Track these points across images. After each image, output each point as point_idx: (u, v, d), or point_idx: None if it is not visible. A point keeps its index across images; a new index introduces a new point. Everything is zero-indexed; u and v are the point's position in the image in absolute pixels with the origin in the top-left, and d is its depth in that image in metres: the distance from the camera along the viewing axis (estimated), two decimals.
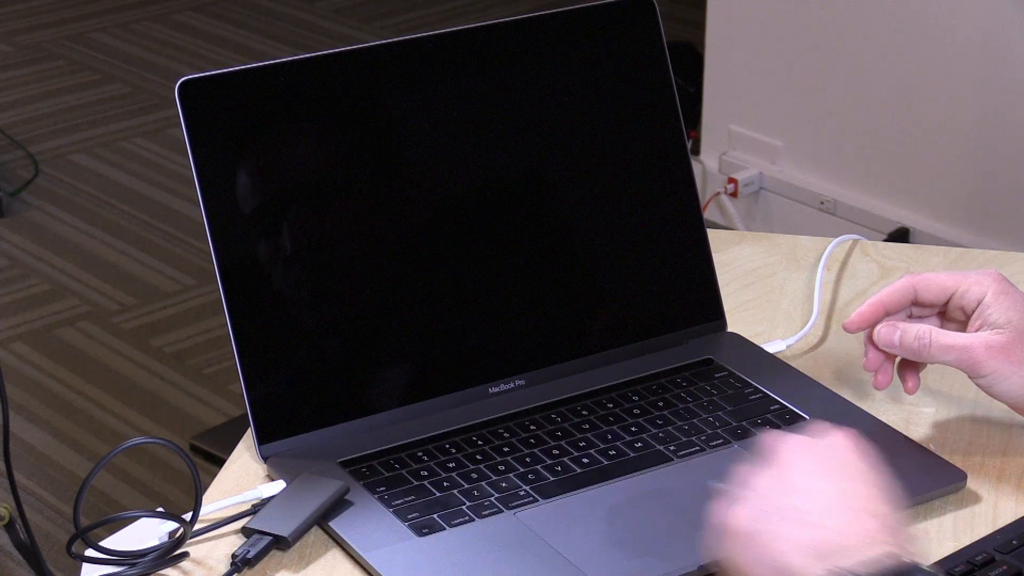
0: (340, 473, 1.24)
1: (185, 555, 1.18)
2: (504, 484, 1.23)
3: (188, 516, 1.17)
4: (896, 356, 1.30)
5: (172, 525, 1.19)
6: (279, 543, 1.17)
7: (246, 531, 1.18)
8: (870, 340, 1.29)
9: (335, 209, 1.30)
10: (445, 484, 1.23)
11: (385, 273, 1.32)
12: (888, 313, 1.29)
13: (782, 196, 3.35)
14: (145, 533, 1.20)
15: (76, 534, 1.14)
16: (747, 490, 1.03)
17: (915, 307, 1.30)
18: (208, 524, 1.20)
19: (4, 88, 4.25)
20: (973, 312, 1.26)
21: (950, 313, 1.29)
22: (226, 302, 1.26)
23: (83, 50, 4.48)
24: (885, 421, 1.31)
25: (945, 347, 1.25)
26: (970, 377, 1.26)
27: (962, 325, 1.28)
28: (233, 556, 1.16)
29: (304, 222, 1.29)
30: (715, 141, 3.44)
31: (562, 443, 1.28)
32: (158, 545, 1.18)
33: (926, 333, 1.26)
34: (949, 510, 1.22)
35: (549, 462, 1.26)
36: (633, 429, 1.30)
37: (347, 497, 1.21)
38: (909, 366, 1.31)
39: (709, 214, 3.40)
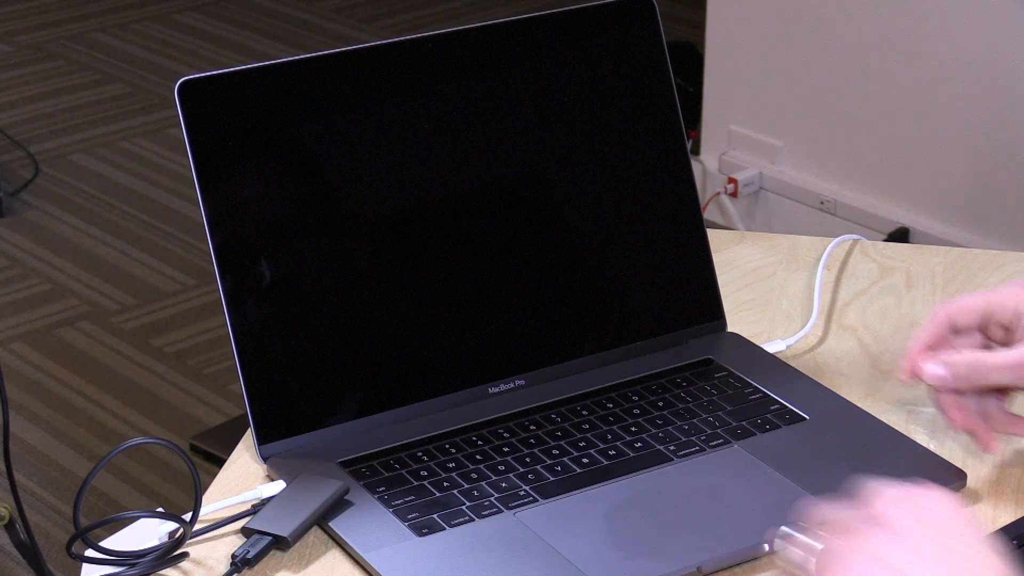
0: (340, 473, 1.24)
1: (185, 555, 1.18)
2: (504, 484, 1.23)
3: (188, 516, 1.17)
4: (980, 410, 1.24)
5: (172, 525, 1.19)
6: (279, 543, 1.17)
7: (246, 531, 1.18)
8: (938, 396, 1.24)
9: (335, 209, 1.30)
10: (445, 484, 1.23)
11: (385, 272, 1.32)
12: (934, 352, 1.23)
13: (782, 196, 3.35)
14: (145, 533, 1.20)
15: (76, 534, 1.14)
16: (847, 544, 0.90)
17: (956, 337, 1.24)
18: (208, 524, 1.20)
19: (4, 88, 4.25)
20: (1014, 325, 1.21)
21: (991, 333, 1.24)
22: (226, 302, 1.26)
23: (83, 50, 4.48)
24: (885, 421, 1.31)
25: (1000, 367, 1.19)
26: None
27: (1005, 342, 1.23)
28: (233, 556, 1.16)
29: (304, 222, 1.29)
30: (715, 141, 3.44)
31: (562, 443, 1.28)
32: (158, 545, 1.18)
33: (976, 360, 1.20)
34: None
35: (549, 462, 1.26)
36: (633, 429, 1.30)
37: (347, 497, 1.21)
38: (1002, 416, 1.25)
39: (709, 214, 3.40)
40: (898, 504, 0.91)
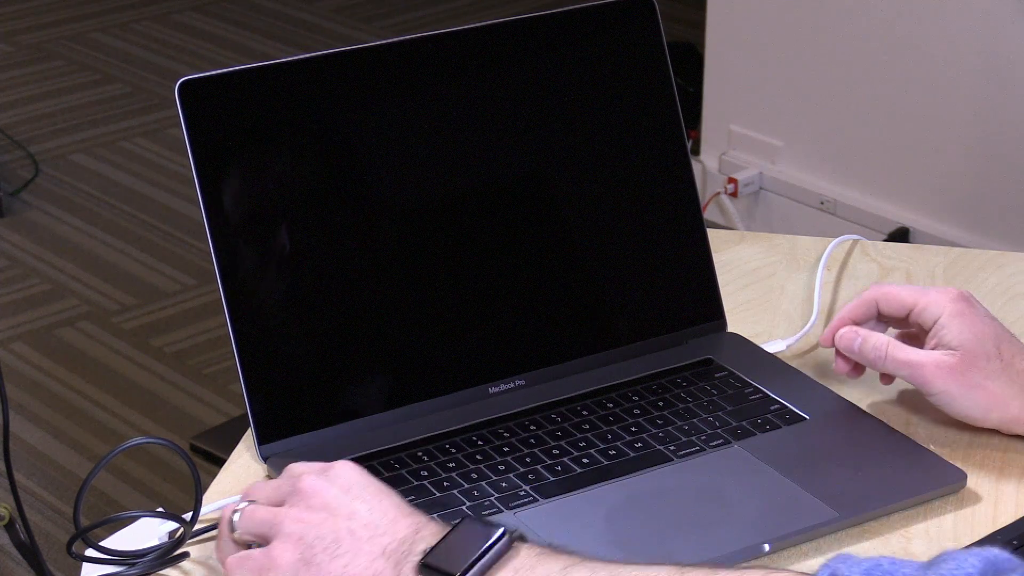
0: None
1: (185, 555, 1.17)
2: (504, 484, 1.23)
3: (188, 516, 1.17)
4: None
5: (172, 525, 1.19)
6: None
7: None
8: (839, 351, 1.33)
9: (335, 209, 1.30)
10: (445, 484, 1.23)
11: (385, 273, 1.32)
12: (856, 325, 1.33)
13: (782, 196, 3.35)
14: (145, 533, 1.20)
15: (76, 534, 1.14)
16: (275, 527, 1.05)
17: (881, 317, 1.34)
18: (208, 524, 1.20)
19: (4, 88, 4.25)
20: (930, 330, 1.29)
21: (909, 325, 1.32)
22: (226, 302, 1.26)
23: (83, 50, 4.48)
24: (885, 421, 1.31)
25: (899, 362, 1.28)
26: (922, 393, 1.29)
27: (922, 339, 1.31)
28: None
29: (304, 222, 1.29)
30: (715, 141, 3.44)
31: (562, 443, 1.28)
32: (158, 545, 1.18)
33: (883, 345, 1.29)
34: (949, 510, 1.22)
35: (549, 462, 1.26)
36: (633, 429, 1.30)
37: None
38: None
39: (709, 214, 3.40)
40: (311, 474, 1.07)
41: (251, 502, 1.09)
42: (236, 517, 1.08)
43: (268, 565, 1.03)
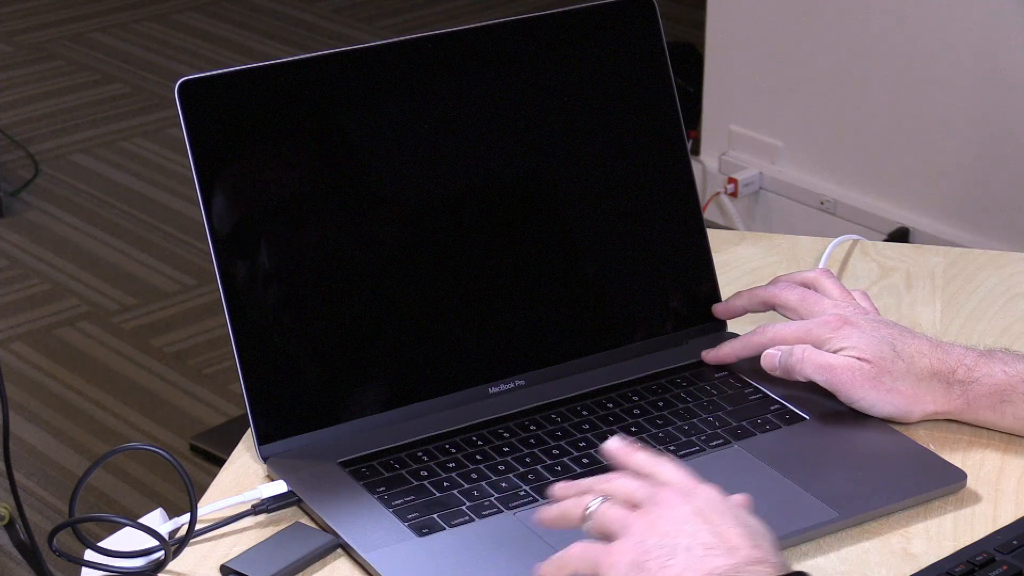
0: (340, 473, 1.24)
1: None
2: (504, 484, 1.23)
3: (174, 529, 1.16)
4: None
5: (172, 525, 1.19)
6: None
7: (224, 569, 1.17)
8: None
9: (335, 209, 1.30)
10: (445, 484, 1.23)
11: (385, 273, 1.32)
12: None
13: (782, 196, 3.35)
14: (143, 534, 1.19)
15: (53, 532, 1.13)
16: (623, 528, 1.07)
17: None
18: (208, 524, 1.20)
19: (4, 88, 4.25)
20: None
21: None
22: (226, 302, 1.26)
23: (83, 50, 4.48)
24: (885, 421, 1.31)
25: (817, 366, 1.29)
26: (843, 400, 1.30)
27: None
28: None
29: (304, 222, 1.29)
30: (715, 141, 3.44)
31: (562, 443, 1.28)
32: (145, 556, 1.17)
33: (800, 351, 1.30)
34: (949, 510, 1.22)
35: (549, 462, 1.26)
36: (633, 429, 1.30)
37: (347, 497, 1.21)
38: None
39: (709, 214, 3.40)
40: (673, 488, 1.09)
41: (605, 498, 1.10)
42: (592, 507, 1.10)
43: (606, 561, 1.06)
